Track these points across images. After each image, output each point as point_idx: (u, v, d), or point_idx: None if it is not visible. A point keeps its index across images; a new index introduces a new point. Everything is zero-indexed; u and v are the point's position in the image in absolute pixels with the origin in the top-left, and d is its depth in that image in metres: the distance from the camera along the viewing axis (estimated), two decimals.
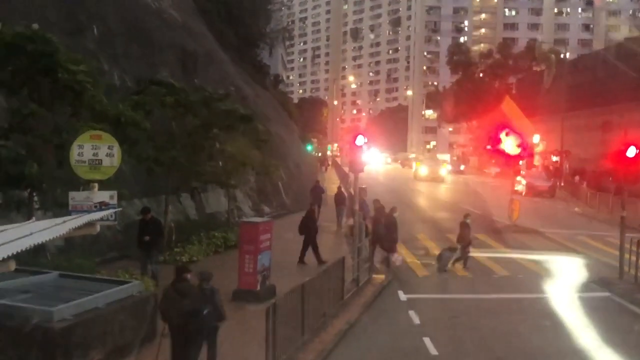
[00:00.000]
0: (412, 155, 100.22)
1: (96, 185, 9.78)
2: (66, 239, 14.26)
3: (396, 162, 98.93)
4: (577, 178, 48.34)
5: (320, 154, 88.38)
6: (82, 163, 9.93)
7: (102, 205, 9.48)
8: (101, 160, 9.79)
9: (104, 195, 9.74)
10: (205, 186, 22.78)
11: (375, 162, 78.24)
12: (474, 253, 21.52)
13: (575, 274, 18.94)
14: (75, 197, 9.88)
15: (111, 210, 9.17)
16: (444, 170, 60.95)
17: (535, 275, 18.49)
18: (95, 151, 9.81)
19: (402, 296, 15.58)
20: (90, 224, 7.24)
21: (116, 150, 10.01)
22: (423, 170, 60.52)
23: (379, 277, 17.32)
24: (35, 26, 11.52)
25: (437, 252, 20.35)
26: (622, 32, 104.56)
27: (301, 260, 18.66)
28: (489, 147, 32.69)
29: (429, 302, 15.60)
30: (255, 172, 23.77)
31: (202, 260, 18.00)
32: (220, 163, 20.48)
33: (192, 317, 8.94)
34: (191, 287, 9.37)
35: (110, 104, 13.74)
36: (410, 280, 17.59)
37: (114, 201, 9.75)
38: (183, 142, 18.31)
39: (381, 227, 18.48)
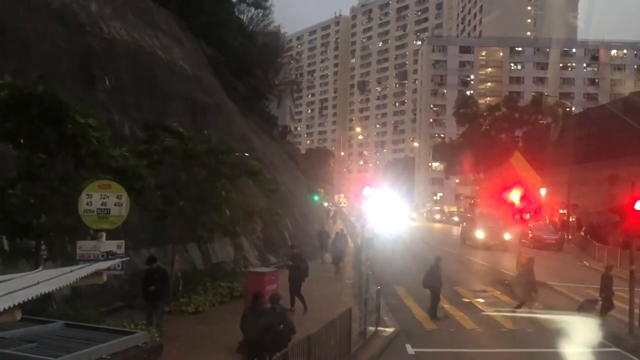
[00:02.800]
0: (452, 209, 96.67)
1: (104, 234, 9.80)
2: (73, 288, 14.21)
3: (425, 218, 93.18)
4: (583, 230, 48.11)
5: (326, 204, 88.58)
6: (91, 212, 9.98)
7: (110, 255, 9.48)
8: (109, 209, 9.82)
9: (112, 245, 9.74)
10: (211, 236, 22.76)
11: (395, 218, 66.18)
12: (482, 306, 21.35)
13: (584, 328, 18.64)
14: (83, 246, 9.89)
15: (118, 260, 9.15)
16: (508, 235, 42.28)
17: (544, 329, 18.21)
18: (104, 200, 9.86)
19: (410, 350, 15.35)
20: (98, 273, 7.21)
21: (124, 199, 10.06)
22: (480, 233, 43.23)
23: (386, 330, 17.11)
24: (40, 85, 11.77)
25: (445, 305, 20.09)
26: (627, 86, 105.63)
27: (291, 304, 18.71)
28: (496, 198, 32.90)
29: (437, 357, 15.35)
30: (262, 221, 23.78)
31: (208, 311, 17.86)
32: (227, 212, 20.51)
33: (267, 332, 10.80)
34: (265, 308, 11.53)
35: (119, 155, 13.91)
36: (418, 333, 17.36)
37: (122, 250, 9.74)
38: (191, 192, 18.40)
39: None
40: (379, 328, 16.88)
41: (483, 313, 20.23)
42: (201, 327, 15.97)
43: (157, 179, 16.75)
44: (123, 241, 9.96)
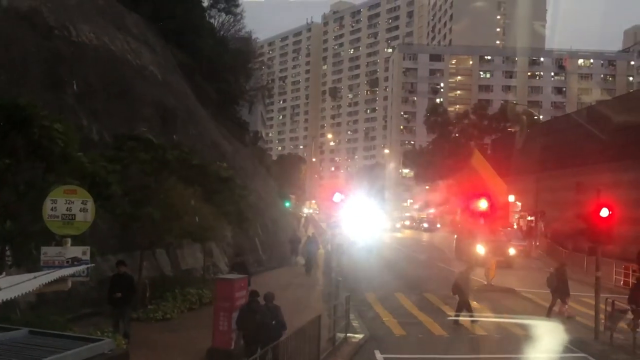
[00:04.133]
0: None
1: (69, 240, 9.65)
2: (38, 295, 13.98)
3: (413, 226, 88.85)
4: (548, 236, 48.90)
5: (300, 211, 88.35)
6: (55, 218, 9.80)
7: (75, 261, 9.33)
8: (75, 215, 9.64)
9: (77, 251, 9.58)
10: (181, 242, 22.59)
11: (372, 226, 62.98)
12: (450, 311, 21.50)
13: (551, 334, 18.89)
14: (48, 252, 9.73)
15: (84, 266, 9.02)
16: (513, 250, 38.72)
17: (512, 336, 18.42)
18: (69, 206, 9.67)
19: (379, 356, 15.40)
20: (62, 279, 7.12)
21: (90, 205, 9.90)
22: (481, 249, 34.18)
23: (356, 336, 17.14)
24: None
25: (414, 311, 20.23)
26: (594, 95, 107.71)
27: None
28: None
29: None
30: (232, 227, 23.65)
31: (177, 318, 17.72)
32: (197, 218, 20.37)
33: (263, 327, 12.01)
34: (260, 305, 12.50)
35: (87, 161, 13.74)
36: (387, 339, 17.42)
37: (87, 257, 9.60)
38: (160, 198, 18.23)
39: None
40: (348, 334, 16.90)
41: (449, 318, 20.37)
42: (169, 334, 15.84)
43: (125, 184, 16.60)
44: (88, 247, 9.82)
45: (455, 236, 44.78)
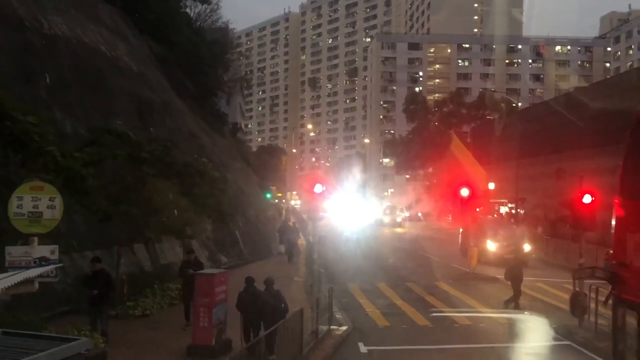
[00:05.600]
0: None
1: (36, 239, 9.20)
2: (12, 294, 13.58)
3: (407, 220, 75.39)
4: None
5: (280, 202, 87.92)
6: (21, 216, 9.35)
7: (42, 261, 8.91)
8: (42, 212, 9.20)
9: (44, 250, 9.15)
10: (160, 237, 22.20)
11: (361, 219, 61.52)
12: (434, 301, 21.44)
13: (535, 322, 18.87)
14: (13, 252, 9.24)
15: (52, 266, 8.61)
16: (528, 246, 33.30)
17: (496, 324, 18.36)
18: (36, 203, 9.24)
19: (363, 348, 15.24)
20: (28, 281, 6.79)
21: (58, 202, 9.44)
22: (492, 245, 32.66)
23: (339, 328, 16.96)
24: None
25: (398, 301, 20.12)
26: (572, 82, 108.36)
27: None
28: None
29: (389, 355, 15.27)
30: (212, 221, 23.29)
31: (156, 314, 17.39)
32: (175, 212, 20.00)
33: (265, 311, 13.02)
34: (260, 290, 13.52)
35: (62, 154, 13.36)
36: (371, 331, 17.26)
37: (55, 256, 9.18)
38: (137, 192, 17.85)
39: None
40: (331, 327, 16.72)
41: (434, 309, 20.28)
42: (149, 331, 15.51)
43: (101, 179, 16.22)
44: (57, 246, 9.40)
45: (461, 230, 37.90)
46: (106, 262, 18.32)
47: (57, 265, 8.88)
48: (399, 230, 62.58)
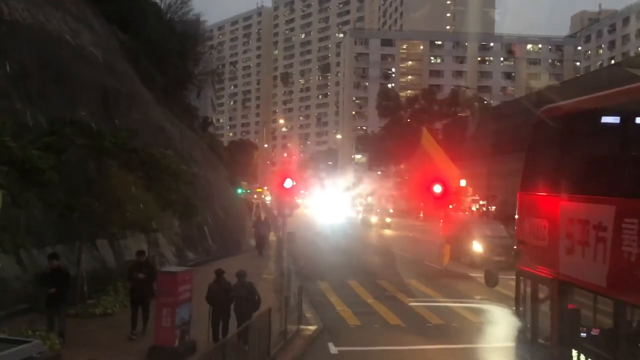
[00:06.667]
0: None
1: None
2: None
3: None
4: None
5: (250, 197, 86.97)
6: None
7: None
8: None
9: None
10: (124, 232, 21.44)
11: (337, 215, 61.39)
12: (405, 299, 21.07)
13: (508, 320, 18.54)
14: None
15: None
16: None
17: (469, 324, 18.00)
18: None
19: (333, 349, 14.77)
20: None
21: None
22: (478, 246, 30.29)
23: (309, 328, 16.46)
24: None
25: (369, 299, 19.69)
26: (543, 80, 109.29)
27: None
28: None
29: (360, 355, 14.82)
30: (178, 215, 22.58)
31: (118, 313, 16.65)
32: (141, 206, 19.27)
33: (239, 302, 13.40)
34: (229, 283, 13.78)
35: (17, 146, 12.65)
36: (341, 331, 16.79)
37: None
38: (100, 185, 17.12)
39: None
40: (301, 327, 16.21)
41: (408, 305, 19.91)
42: (109, 330, 14.83)
43: (62, 171, 15.47)
44: None
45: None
46: (67, 258, 17.62)
47: None
48: (387, 232, 56.23)
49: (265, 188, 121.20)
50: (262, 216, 43.58)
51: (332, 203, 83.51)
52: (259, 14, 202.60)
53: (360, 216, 67.45)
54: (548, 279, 8.76)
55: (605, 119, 8.47)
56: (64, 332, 13.24)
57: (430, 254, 31.13)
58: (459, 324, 17.92)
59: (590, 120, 8.70)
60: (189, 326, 13.13)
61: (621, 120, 8.10)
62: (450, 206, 29.22)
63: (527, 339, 9.62)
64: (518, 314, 10.04)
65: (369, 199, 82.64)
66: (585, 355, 8.19)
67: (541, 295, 9.16)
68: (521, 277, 9.84)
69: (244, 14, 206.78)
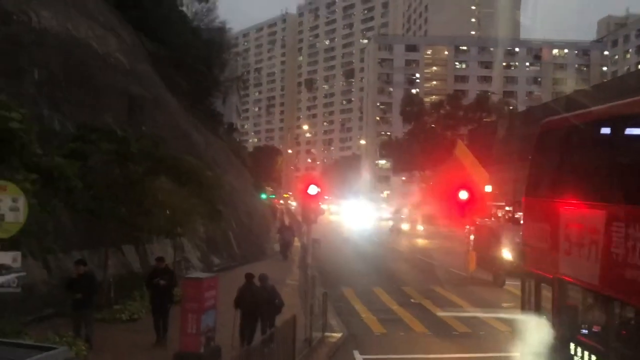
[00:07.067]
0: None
1: None
2: None
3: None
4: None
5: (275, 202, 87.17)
6: None
7: (3, 269, 8.00)
8: (3, 215, 8.31)
9: (6, 258, 8.20)
10: (150, 237, 21.54)
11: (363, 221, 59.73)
12: (431, 307, 20.84)
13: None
14: None
15: (13, 275, 7.78)
16: None
17: (496, 332, 17.69)
18: None
19: (358, 357, 14.64)
20: None
21: (22, 203, 8.44)
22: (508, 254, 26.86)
23: (333, 335, 16.34)
24: None
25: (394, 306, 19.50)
26: (569, 85, 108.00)
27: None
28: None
29: None
30: (202, 221, 22.63)
31: (144, 318, 16.66)
32: (167, 212, 19.34)
33: (260, 305, 13.62)
34: (257, 286, 14.00)
35: (45, 153, 12.75)
36: (367, 338, 16.64)
37: (18, 264, 8.16)
38: (124, 190, 17.21)
39: None
40: (325, 334, 16.09)
41: (434, 313, 19.69)
42: (135, 336, 14.83)
43: (88, 177, 15.59)
44: (19, 253, 8.41)
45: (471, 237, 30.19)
46: (94, 263, 17.72)
47: (20, 274, 8.02)
48: (420, 241, 51.19)
49: (291, 194, 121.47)
50: (287, 221, 43.78)
51: (359, 209, 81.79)
52: (284, 21, 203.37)
53: (390, 223, 63.46)
54: (549, 278, 9.53)
55: (597, 132, 9.15)
56: (90, 337, 13.26)
57: (455, 261, 30.79)
58: (486, 332, 17.63)
59: (584, 132, 9.38)
60: (214, 332, 13.08)
61: (611, 132, 8.76)
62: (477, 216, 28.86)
63: (531, 334, 10.29)
64: (524, 311, 10.87)
65: (399, 206, 79.01)
66: (581, 348, 8.77)
67: (543, 294, 9.95)
68: (526, 278, 10.75)
69: (268, 21, 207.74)
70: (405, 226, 58.87)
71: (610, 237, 7.69)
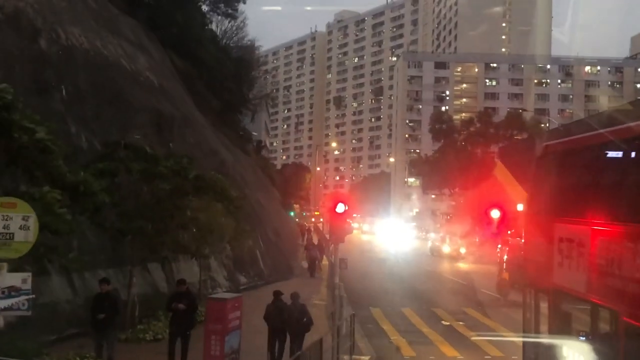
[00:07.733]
0: None
1: (5, 265, 7.97)
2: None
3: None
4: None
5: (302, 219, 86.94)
6: None
7: (12, 291, 7.69)
8: (13, 234, 7.93)
9: (15, 279, 7.87)
10: (176, 256, 21.33)
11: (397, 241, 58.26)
12: (462, 329, 20.26)
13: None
14: None
15: (23, 297, 7.47)
16: None
17: None
18: (6, 223, 7.95)
19: None
20: None
21: (33, 222, 8.13)
22: None
23: (362, 358, 15.87)
24: None
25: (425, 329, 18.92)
26: (602, 102, 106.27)
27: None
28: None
29: None
30: (228, 240, 22.37)
31: (168, 339, 16.41)
32: (194, 230, 19.12)
33: (292, 323, 13.94)
34: (286, 304, 14.38)
35: (70, 170, 12.60)
36: None
37: (28, 286, 7.82)
38: (152, 209, 17.02)
39: None
40: (353, 356, 15.63)
41: (465, 336, 19.08)
42: (158, 357, 14.52)
43: (115, 194, 15.43)
44: (29, 274, 8.12)
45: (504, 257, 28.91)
46: (119, 281, 17.54)
47: (29, 296, 7.69)
48: (462, 265, 46.24)
49: (318, 212, 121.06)
50: (315, 239, 43.72)
51: (395, 228, 78.89)
52: (313, 39, 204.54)
53: (428, 244, 59.38)
54: (545, 289, 10.52)
55: (585, 155, 10.10)
56: (112, 358, 13.01)
57: (487, 282, 30.07)
58: (520, 357, 16.96)
59: (575, 156, 10.45)
60: (239, 354, 12.73)
61: (595, 156, 9.67)
62: (510, 232, 28.14)
63: (531, 340, 11.50)
64: (525, 320, 11.81)
65: (436, 227, 73.40)
66: (573, 351, 9.72)
67: (541, 303, 10.86)
68: (526, 289, 11.77)
69: (298, 39, 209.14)
70: (446, 248, 52.83)
71: (595, 250, 8.58)
